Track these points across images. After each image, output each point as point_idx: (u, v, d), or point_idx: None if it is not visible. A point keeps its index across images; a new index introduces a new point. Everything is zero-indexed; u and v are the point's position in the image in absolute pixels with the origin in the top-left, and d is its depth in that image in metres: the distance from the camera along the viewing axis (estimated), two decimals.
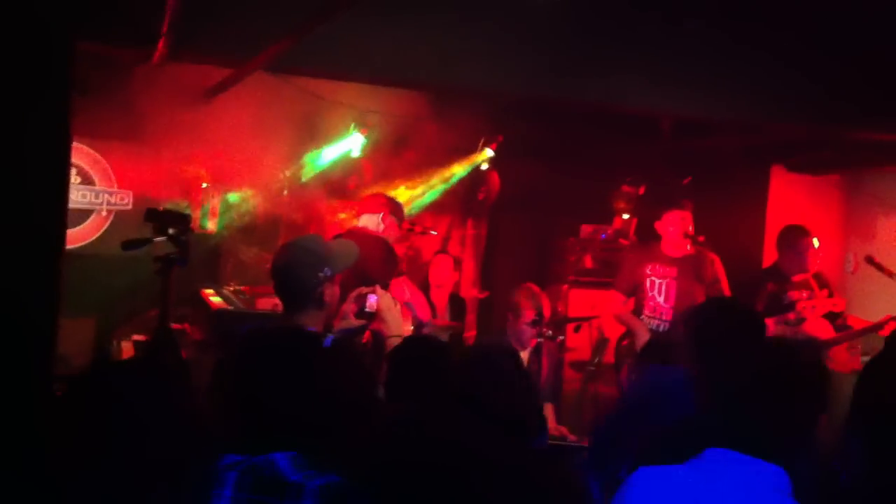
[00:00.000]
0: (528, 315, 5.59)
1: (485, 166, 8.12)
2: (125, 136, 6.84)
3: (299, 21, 4.50)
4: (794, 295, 6.12)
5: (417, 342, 3.93)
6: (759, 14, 5.55)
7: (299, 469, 2.20)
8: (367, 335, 4.13)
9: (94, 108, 5.61)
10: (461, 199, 8.42)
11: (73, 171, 6.93)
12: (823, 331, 6.08)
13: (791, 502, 2.19)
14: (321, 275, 3.54)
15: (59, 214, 4.32)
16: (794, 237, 6.36)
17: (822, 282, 6.33)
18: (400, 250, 6.47)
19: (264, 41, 4.92)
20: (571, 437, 5.51)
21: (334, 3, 4.21)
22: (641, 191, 8.41)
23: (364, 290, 3.74)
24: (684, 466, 2.26)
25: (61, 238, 4.36)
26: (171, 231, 4.06)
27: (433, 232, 5.63)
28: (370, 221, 5.72)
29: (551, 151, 7.96)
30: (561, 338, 6.24)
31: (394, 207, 5.82)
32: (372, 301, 3.77)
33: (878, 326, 5.87)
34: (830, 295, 6.20)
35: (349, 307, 3.72)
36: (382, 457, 2.38)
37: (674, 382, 3.28)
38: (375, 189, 6.79)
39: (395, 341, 3.64)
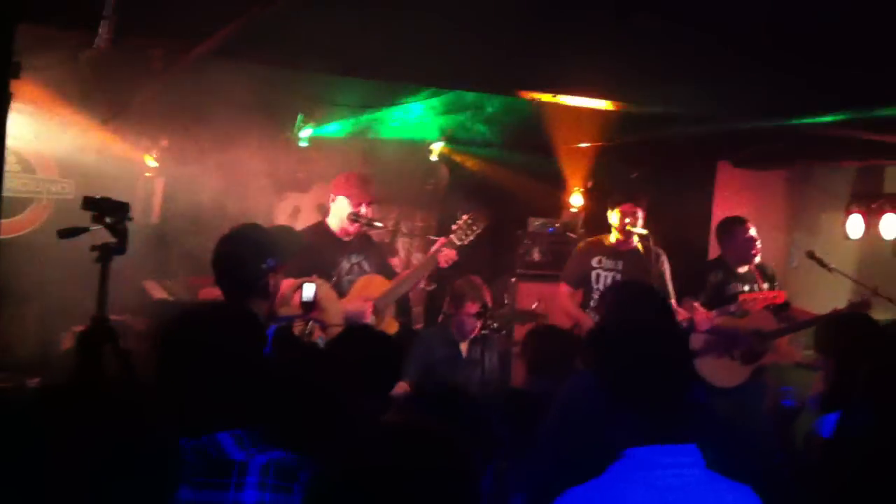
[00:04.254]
0: (470, 307, 5.58)
1: (434, 157, 8.10)
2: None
3: (245, 6, 4.42)
4: (736, 287, 6.18)
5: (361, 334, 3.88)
6: (707, 8, 5.58)
7: (242, 447, 2.23)
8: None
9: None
10: (410, 190, 8.38)
11: (14, 160, 6.77)
12: (767, 322, 6.13)
13: (716, 476, 2.19)
14: (265, 266, 3.50)
15: None
16: (730, 226, 6.44)
17: (766, 274, 6.39)
18: None
19: (211, 26, 4.83)
20: None
21: None
22: (590, 184, 8.44)
23: (296, 281, 3.71)
24: (605, 476, 2.20)
25: None
26: (108, 220, 3.98)
27: (378, 224, 5.53)
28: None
29: (501, 143, 7.96)
30: (505, 331, 6.23)
31: (351, 188, 5.46)
32: (309, 292, 3.75)
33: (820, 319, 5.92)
34: (772, 287, 6.25)
35: (292, 294, 3.69)
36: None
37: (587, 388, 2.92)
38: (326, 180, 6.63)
39: (336, 330, 3.62)
